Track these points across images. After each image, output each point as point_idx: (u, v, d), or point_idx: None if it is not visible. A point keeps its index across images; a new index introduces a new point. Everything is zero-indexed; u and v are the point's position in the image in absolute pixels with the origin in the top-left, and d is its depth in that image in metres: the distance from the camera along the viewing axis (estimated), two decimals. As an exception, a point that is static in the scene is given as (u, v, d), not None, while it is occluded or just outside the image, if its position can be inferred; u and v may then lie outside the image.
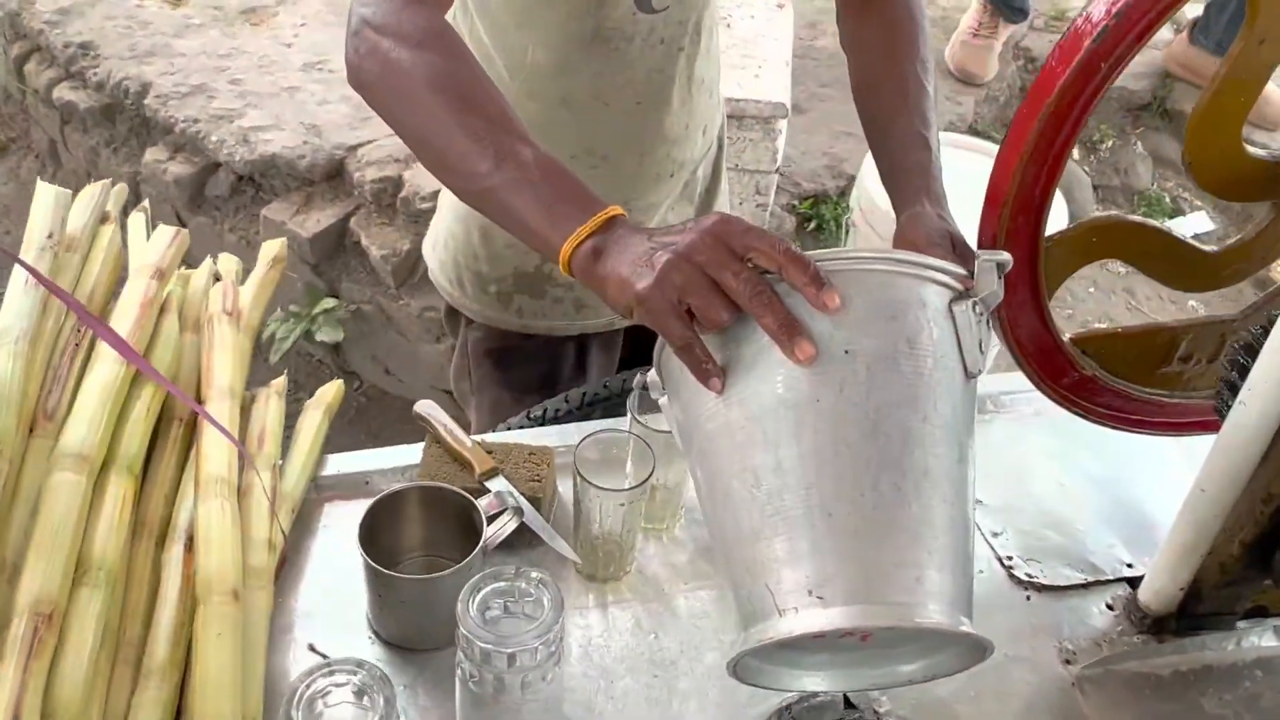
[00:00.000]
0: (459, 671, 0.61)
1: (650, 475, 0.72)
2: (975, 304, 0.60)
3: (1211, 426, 0.78)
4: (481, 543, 0.68)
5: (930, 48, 0.89)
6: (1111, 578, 0.83)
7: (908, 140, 0.82)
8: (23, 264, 0.73)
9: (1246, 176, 0.73)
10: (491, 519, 0.73)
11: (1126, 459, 0.93)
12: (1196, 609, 0.78)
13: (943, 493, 0.55)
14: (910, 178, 0.79)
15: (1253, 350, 0.68)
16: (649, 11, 0.86)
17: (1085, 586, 0.82)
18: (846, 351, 0.56)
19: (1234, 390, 0.70)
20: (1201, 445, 0.75)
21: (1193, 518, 0.74)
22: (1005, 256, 0.63)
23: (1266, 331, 0.66)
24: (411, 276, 2.00)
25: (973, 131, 2.40)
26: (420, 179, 1.97)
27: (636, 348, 1.13)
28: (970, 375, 0.60)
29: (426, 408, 0.82)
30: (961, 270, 0.61)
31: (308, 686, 0.57)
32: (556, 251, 0.63)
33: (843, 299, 0.55)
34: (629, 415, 0.77)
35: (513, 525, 0.74)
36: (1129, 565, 0.84)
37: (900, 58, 0.86)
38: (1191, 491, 0.73)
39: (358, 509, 0.69)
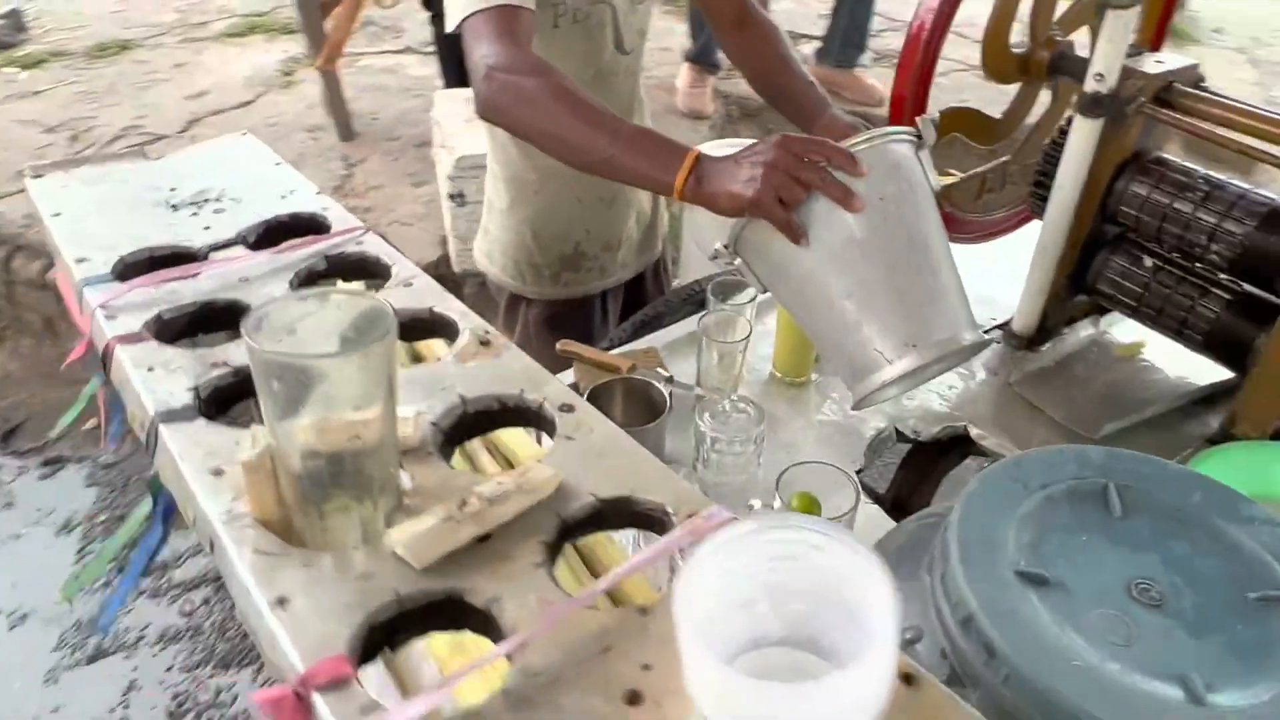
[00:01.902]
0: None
1: (749, 334, 1.11)
2: (926, 149, 0.93)
3: (1008, 229, 1.34)
4: (669, 403, 1.03)
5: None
6: (999, 323, 1.34)
7: (804, 88, 1.22)
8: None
9: (1009, 66, 1.23)
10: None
11: (974, 260, 1.44)
12: (1046, 325, 1.29)
13: (948, 264, 0.93)
14: (815, 104, 1.20)
15: (1050, 158, 1.18)
16: (624, 53, 1.26)
17: (988, 332, 1.32)
18: (880, 199, 0.86)
19: (1043, 186, 1.20)
20: (1016, 244, 1.27)
21: (1038, 270, 1.25)
22: (935, 116, 0.99)
23: (1057, 147, 1.16)
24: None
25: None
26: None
27: (630, 296, 1.53)
28: (934, 191, 0.93)
29: (566, 344, 1.15)
30: (915, 130, 0.93)
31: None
32: (671, 187, 0.91)
33: (869, 167, 0.86)
34: (709, 302, 1.15)
35: (668, 389, 1.10)
36: (995, 319, 1.35)
37: (780, 50, 1.25)
38: (1035, 254, 1.24)
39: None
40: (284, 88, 3.65)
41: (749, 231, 0.92)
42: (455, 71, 3.03)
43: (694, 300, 1.38)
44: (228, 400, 0.73)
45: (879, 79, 3.39)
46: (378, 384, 0.54)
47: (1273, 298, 1.09)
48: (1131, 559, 0.68)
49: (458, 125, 2.56)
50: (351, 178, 3.03)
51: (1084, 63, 1.11)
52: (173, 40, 4.09)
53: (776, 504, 0.88)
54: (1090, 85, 1.08)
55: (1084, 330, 1.34)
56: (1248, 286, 1.12)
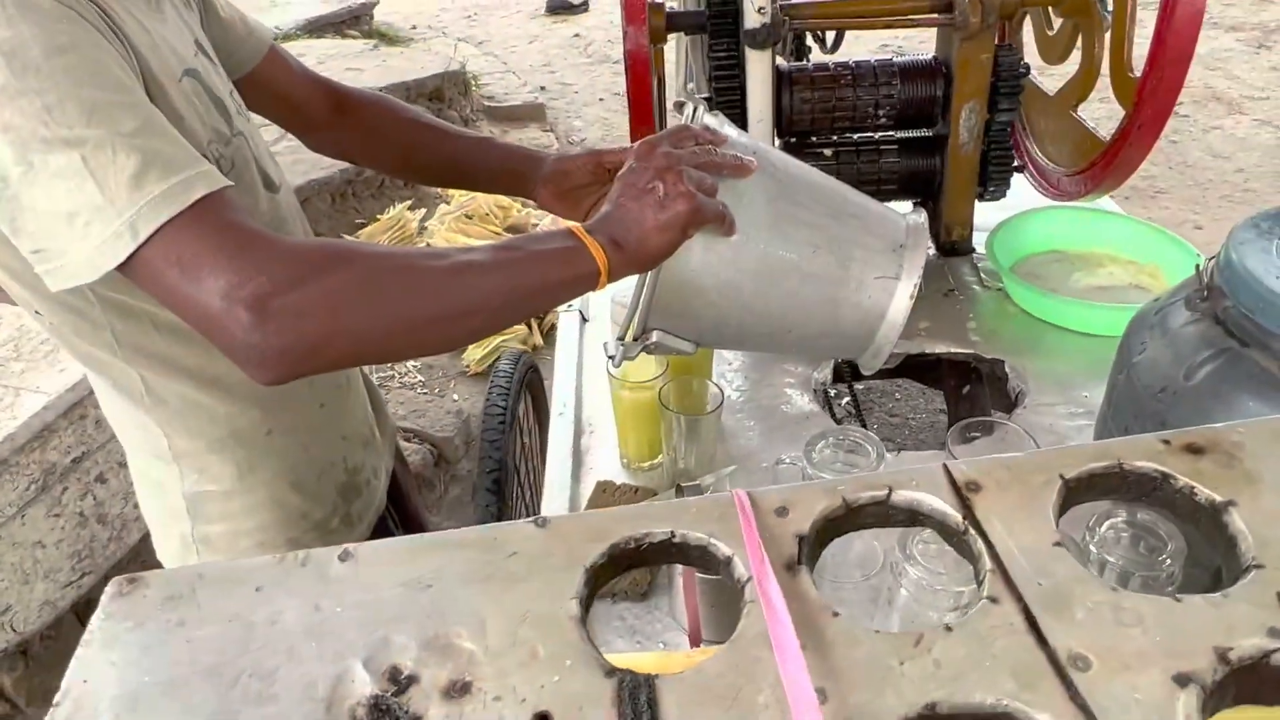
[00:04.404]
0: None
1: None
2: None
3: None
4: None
5: None
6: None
7: (482, 144, 1.01)
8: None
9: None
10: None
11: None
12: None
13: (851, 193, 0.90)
14: (520, 157, 0.99)
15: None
16: (274, 191, 0.90)
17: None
18: (753, 154, 0.80)
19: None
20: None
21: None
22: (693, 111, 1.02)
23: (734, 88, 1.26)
24: None
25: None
26: None
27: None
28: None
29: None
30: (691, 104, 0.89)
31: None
32: (595, 274, 0.69)
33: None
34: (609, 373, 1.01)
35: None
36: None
37: (409, 114, 1.01)
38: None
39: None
40: None
41: (661, 294, 0.78)
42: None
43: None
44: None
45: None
46: None
47: (931, 131, 1.34)
48: None
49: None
50: None
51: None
52: None
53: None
54: (751, 20, 1.18)
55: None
56: (913, 132, 1.35)
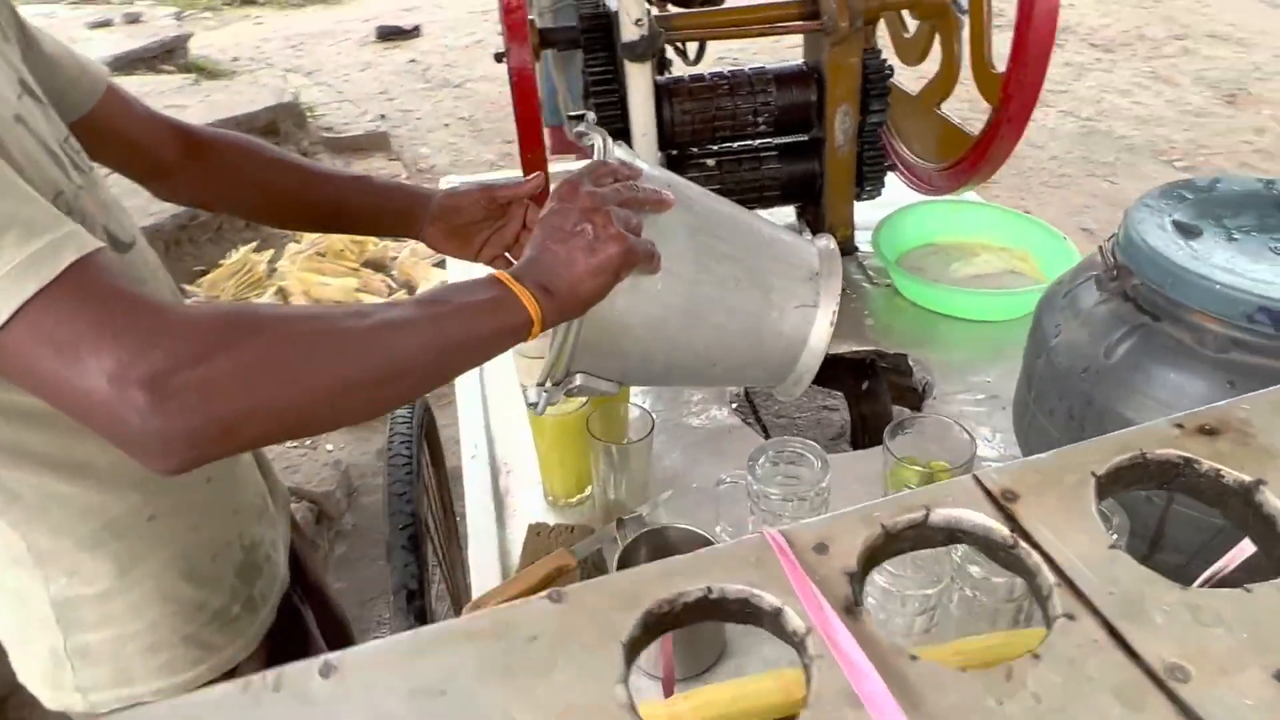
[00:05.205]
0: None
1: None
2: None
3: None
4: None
5: None
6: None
7: (358, 184, 0.93)
8: None
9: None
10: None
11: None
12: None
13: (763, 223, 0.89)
14: (403, 195, 0.93)
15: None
16: (125, 250, 0.78)
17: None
18: (668, 186, 0.78)
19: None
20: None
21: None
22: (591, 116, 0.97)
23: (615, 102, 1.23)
24: None
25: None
26: None
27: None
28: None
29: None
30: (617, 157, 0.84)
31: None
32: (527, 324, 0.65)
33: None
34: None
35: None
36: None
37: (271, 154, 0.91)
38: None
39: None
40: None
41: (586, 335, 0.75)
42: None
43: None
44: None
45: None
46: None
47: (808, 136, 1.36)
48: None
49: None
50: None
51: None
52: None
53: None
54: (629, 34, 1.16)
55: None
56: (790, 138, 1.36)
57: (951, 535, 0.41)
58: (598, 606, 0.37)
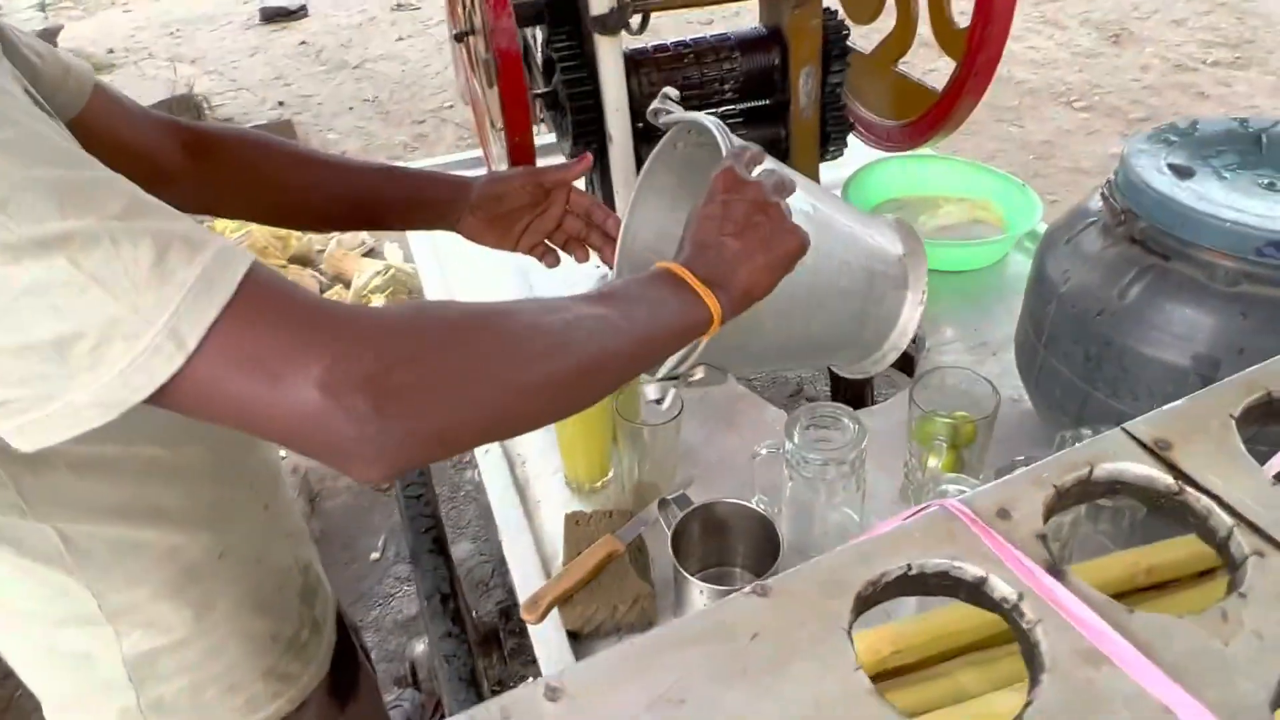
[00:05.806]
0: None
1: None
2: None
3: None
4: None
5: None
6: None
7: (388, 175, 0.87)
8: None
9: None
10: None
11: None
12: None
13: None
14: (442, 184, 0.89)
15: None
16: None
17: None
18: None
19: (594, 123, 1.24)
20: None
21: (624, 188, 1.31)
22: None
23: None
24: None
25: None
26: None
27: None
28: None
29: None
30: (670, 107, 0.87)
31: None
32: (708, 318, 0.64)
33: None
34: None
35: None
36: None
37: (285, 149, 0.85)
38: (614, 174, 1.29)
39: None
40: None
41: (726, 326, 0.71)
42: None
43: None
44: None
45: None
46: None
47: (770, 100, 1.36)
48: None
49: None
50: None
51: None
52: None
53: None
54: (599, 6, 1.13)
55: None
56: (754, 103, 1.36)
57: (1111, 488, 0.42)
58: (805, 595, 0.37)
